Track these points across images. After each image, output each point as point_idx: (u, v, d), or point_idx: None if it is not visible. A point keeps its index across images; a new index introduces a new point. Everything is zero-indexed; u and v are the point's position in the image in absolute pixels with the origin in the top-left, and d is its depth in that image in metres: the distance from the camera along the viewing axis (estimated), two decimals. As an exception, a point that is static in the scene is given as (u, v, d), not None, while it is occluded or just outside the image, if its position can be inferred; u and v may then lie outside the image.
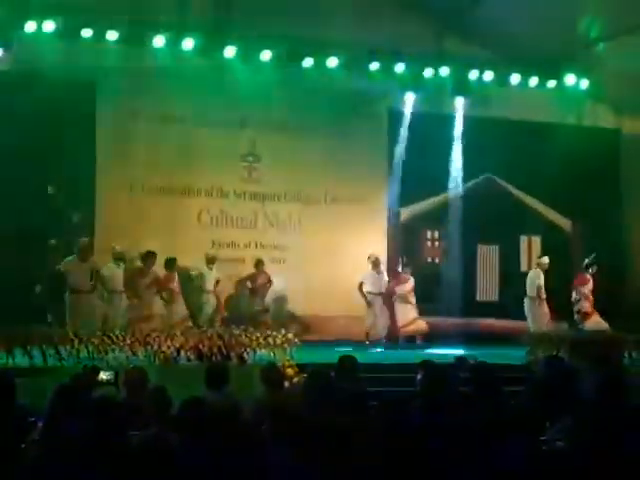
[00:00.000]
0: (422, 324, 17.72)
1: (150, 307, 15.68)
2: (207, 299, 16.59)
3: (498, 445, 5.55)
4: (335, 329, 17.58)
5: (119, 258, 15.48)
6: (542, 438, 6.12)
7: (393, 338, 17.49)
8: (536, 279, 16.96)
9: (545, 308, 16.85)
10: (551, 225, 19.71)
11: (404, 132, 18.39)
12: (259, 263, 17.17)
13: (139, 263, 15.92)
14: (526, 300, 17.01)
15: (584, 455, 5.30)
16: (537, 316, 16.71)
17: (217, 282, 16.68)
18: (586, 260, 17.08)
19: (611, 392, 6.60)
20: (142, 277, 15.74)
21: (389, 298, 17.59)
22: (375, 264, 17.41)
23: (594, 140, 19.29)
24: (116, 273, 15.36)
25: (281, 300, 17.51)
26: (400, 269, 18.05)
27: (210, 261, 16.59)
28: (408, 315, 17.63)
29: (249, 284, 17.29)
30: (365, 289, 17.31)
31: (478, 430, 5.87)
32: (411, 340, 17.67)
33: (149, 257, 15.70)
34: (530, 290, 16.98)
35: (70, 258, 14.76)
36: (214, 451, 5.16)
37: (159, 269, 15.93)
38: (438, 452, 5.12)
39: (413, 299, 17.72)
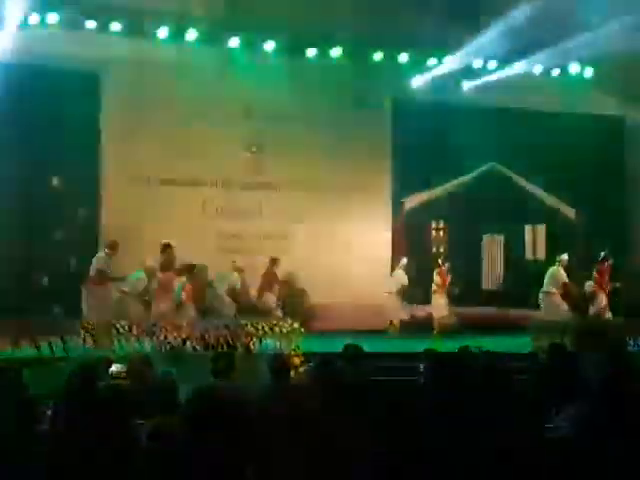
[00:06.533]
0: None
1: None
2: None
3: (504, 432, 5.57)
4: (341, 317, 17.62)
5: None
6: (548, 425, 6.14)
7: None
8: (559, 277, 16.38)
9: (564, 303, 16.45)
10: (555, 213, 19.69)
11: (408, 121, 18.38)
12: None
13: None
14: (543, 295, 16.48)
15: (589, 442, 5.32)
16: (556, 309, 16.37)
17: None
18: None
19: (615, 379, 6.61)
20: None
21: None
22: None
23: (598, 128, 19.29)
24: None
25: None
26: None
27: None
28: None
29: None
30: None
31: (484, 417, 5.89)
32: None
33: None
34: (551, 286, 16.45)
35: None
36: (220, 441, 5.17)
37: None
38: (444, 439, 5.14)
39: None
